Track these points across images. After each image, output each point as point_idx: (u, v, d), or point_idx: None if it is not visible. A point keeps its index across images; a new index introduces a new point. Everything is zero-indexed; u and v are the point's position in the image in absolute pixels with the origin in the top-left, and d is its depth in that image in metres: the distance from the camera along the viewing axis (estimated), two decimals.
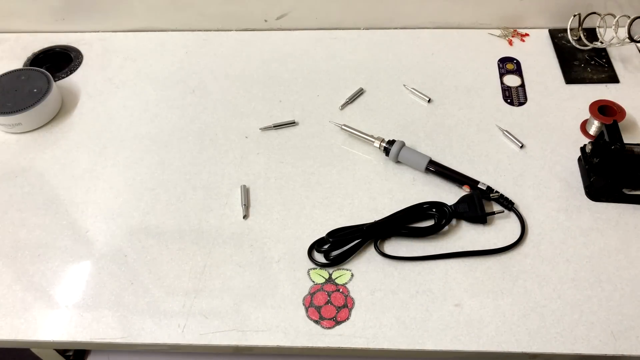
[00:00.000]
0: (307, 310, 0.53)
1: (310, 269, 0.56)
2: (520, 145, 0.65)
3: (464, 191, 0.61)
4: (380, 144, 0.64)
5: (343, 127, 0.67)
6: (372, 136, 0.65)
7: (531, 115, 0.69)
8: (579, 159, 0.63)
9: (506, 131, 0.66)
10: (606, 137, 0.57)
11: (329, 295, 0.53)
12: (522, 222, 0.58)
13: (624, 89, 0.71)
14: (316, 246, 0.57)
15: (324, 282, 0.54)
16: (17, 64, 0.80)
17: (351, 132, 0.67)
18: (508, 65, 0.76)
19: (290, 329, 0.51)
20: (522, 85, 0.73)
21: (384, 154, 0.64)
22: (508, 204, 0.59)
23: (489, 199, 0.60)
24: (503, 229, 0.58)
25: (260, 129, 0.69)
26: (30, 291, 0.55)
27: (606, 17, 0.73)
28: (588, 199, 0.60)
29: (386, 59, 0.78)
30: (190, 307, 0.53)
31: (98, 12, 0.82)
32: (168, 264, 0.57)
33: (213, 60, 0.79)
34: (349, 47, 0.80)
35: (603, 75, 0.73)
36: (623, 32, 0.71)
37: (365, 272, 0.55)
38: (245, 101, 0.73)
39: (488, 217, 0.58)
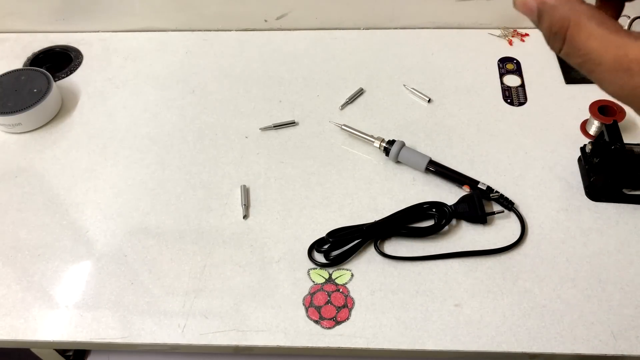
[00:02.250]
0: (307, 310, 0.53)
1: (310, 269, 0.56)
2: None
3: (464, 191, 0.61)
4: (380, 144, 0.64)
5: (343, 127, 0.67)
6: (372, 136, 0.65)
7: (531, 115, 0.69)
8: (579, 159, 0.63)
9: None
10: (606, 137, 0.57)
11: (329, 295, 0.53)
12: (522, 222, 0.58)
13: None
14: (316, 246, 0.57)
15: (324, 282, 0.54)
16: (17, 64, 0.80)
17: (351, 132, 0.67)
18: (508, 65, 0.76)
19: (290, 329, 0.51)
20: (522, 85, 0.73)
21: (384, 154, 0.64)
22: (508, 204, 0.59)
23: (489, 199, 0.60)
24: (503, 229, 0.58)
25: (260, 129, 0.69)
26: (30, 291, 0.55)
27: None
28: (588, 199, 0.60)
29: (386, 59, 0.78)
30: (190, 307, 0.53)
31: (98, 12, 0.82)
32: (168, 264, 0.57)
33: (213, 60, 0.79)
34: (349, 47, 0.80)
35: None
36: None
37: (365, 272, 0.55)
38: (245, 101, 0.73)
39: (488, 217, 0.58)
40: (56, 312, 0.54)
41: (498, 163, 0.64)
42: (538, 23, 0.29)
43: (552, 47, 0.28)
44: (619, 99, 0.27)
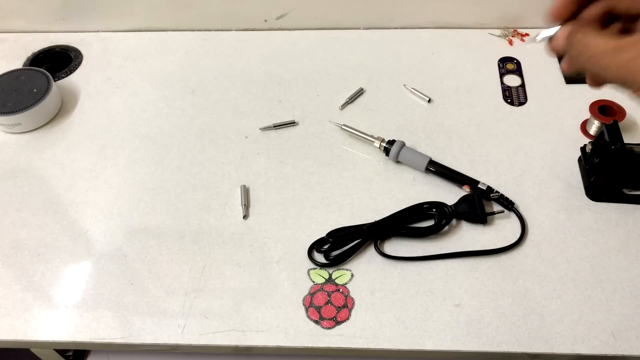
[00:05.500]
0: (307, 311, 0.53)
1: (310, 269, 0.56)
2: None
3: (464, 191, 0.61)
4: (380, 144, 0.64)
5: (343, 127, 0.67)
6: (372, 136, 0.65)
7: (531, 115, 0.69)
8: (579, 159, 0.63)
9: None
10: (606, 137, 0.57)
11: (329, 296, 0.53)
12: (522, 222, 0.58)
13: None
14: (316, 246, 0.57)
15: (324, 282, 0.54)
16: (17, 64, 0.80)
17: (351, 132, 0.67)
18: (508, 65, 0.76)
19: (290, 329, 0.51)
20: (522, 85, 0.73)
21: (384, 154, 0.64)
22: (508, 204, 0.59)
23: (489, 199, 0.60)
24: (503, 229, 0.58)
25: (260, 129, 0.69)
26: (30, 291, 0.55)
27: None
28: (588, 199, 0.60)
29: (386, 59, 0.78)
30: (190, 307, 0.53)
31: (98, 12, 0.82)
32: (168, 264, 0.56)
33: (213, 60, 0.79)
34: (349, 47, 0.80)
35: None
36: None
37: (365, 272, 0.55)
38: (245, 101, 0.73)
39: (488, 217, 0.58)
40: (56, 312, 0.54)
41: (498, 163, 0.64)
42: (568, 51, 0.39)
43: (576, 61, 0.38)
44: (617, 77, 0.35)
